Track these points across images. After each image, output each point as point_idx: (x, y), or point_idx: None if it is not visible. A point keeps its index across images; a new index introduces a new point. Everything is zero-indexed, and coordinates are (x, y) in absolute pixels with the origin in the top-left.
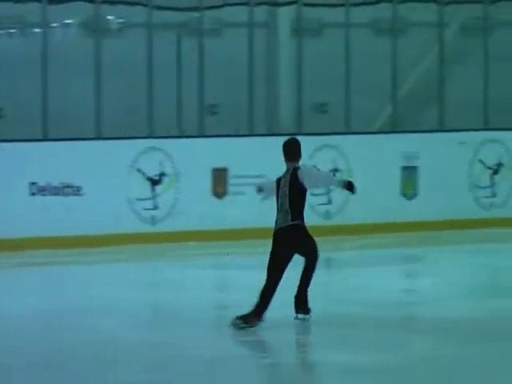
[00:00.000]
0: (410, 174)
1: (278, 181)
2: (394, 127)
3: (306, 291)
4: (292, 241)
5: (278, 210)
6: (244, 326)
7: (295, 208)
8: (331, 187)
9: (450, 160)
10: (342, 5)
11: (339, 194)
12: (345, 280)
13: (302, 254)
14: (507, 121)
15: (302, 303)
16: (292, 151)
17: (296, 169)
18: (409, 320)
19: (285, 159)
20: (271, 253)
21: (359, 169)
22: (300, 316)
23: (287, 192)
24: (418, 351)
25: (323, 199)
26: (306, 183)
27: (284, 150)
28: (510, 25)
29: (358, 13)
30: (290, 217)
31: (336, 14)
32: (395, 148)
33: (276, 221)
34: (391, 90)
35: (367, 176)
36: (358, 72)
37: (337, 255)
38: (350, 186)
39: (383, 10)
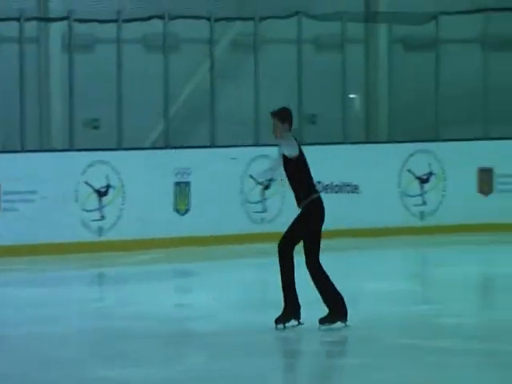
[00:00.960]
0: (182, 189)
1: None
2: (166, 143)
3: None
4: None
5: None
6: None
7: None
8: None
9: (221, 175)
10: (114, 20)
11: (113, 209)
12: (118, 295)
13: None
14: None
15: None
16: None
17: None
18: (182, 335)
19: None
20: None
21: (132, 185)
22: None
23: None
24: (192, 365)
25: (95, 215)
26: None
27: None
28: (279, 42)
29: (130, 28)
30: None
31: (108, 30)
32: (168, 164)
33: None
34: (163, 105)
35: (140, 192)
36: (130, 88)
37: (110, 271)
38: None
39: (155, 26)
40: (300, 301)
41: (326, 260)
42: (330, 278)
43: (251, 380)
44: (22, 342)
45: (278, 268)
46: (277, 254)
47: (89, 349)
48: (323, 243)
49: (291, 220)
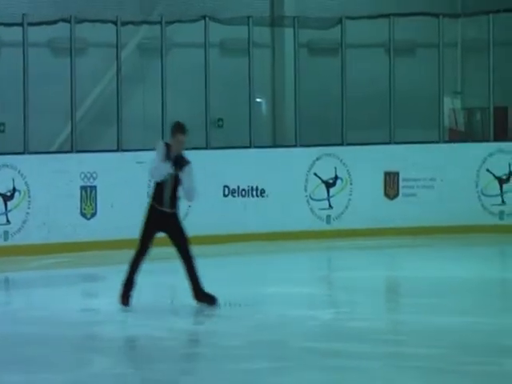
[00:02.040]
0: (88, 193)
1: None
2: (72, 147)
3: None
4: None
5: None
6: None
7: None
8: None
9: (127, 179)
10: (20, 24)
11: (19, 213)
12: (23, 300)
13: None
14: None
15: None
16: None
17: (179, 158)
18: (88, 339)
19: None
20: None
21: (38, 189)
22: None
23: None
24: (98, 370)
25: (1, 219)
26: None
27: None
28: (186, 46)
29: (36, 32)
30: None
31: (13, 33)
32: (74, 168)
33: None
34: (70, 109)
35: (47, 196)
36: (36, 91)
37: (16, 275)
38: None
39: (61, 30)
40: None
41: (236, 264)
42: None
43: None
44: None
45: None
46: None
47: None
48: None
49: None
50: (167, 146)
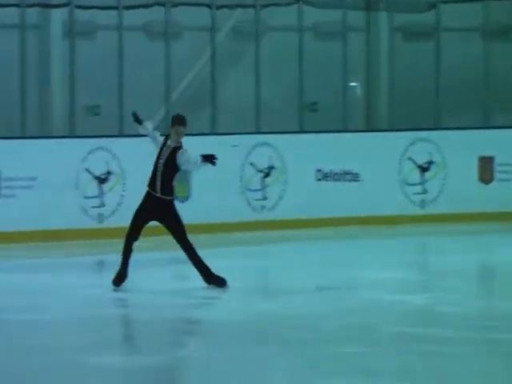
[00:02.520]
0: (183, 176)
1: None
2: (166, 130)
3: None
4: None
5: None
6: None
7: (166, 183)
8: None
9: (222, 163)
10: (115, 7)
11: (114, 196)
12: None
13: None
14: (278, 124)
15: None
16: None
17: (179, 147)
18: (180, 322)
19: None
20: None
21: (132, 171)
22: None
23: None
24: (190, 353)
25: (95, 202)
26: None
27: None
28: (280, 30)
29: (131, 15)
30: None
31: (109, 17)
32: None
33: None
34: (164, 92)
35: (140, 178)
36: (131, 74)
37: (110, 258)
38: (208, 159)
39: (156, 13)
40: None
41: (329, 248)
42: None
43: (249, 368)
44: (21, 328)
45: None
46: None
47: (88, 336)
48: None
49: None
50: (166, 137)
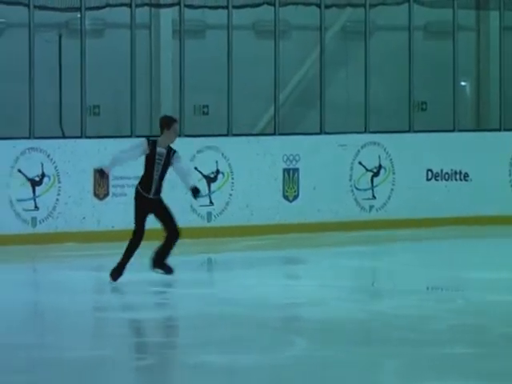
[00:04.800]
0: (291, 176)
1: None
2: (275, 129)
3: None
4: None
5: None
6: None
7: (159, 186)
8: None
9: (330, 162)
10: (225, 7)
11: (222, 195)
12: (225, 281)
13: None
14: (387, 124)
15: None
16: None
17: (174, 151)
18: (290, 321)
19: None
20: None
21: (241, 171)
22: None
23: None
24: (298, 352)
25: (204, 201)
26: (176, 169)
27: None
28: (389, 29)
29: (241, 14)
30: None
31: (218, 16)
32: (277, 150)
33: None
34: (273, 92)
35: (249, 178)
36: (239, 74)
37: (218, 256)
38: (195, 191)
39: (265, 13)
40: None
41: (437, 248)
42: None
43: (360, 368)
44: (121, 326)
45: None
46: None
47: (198, 334)
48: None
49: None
50: (153, 142)
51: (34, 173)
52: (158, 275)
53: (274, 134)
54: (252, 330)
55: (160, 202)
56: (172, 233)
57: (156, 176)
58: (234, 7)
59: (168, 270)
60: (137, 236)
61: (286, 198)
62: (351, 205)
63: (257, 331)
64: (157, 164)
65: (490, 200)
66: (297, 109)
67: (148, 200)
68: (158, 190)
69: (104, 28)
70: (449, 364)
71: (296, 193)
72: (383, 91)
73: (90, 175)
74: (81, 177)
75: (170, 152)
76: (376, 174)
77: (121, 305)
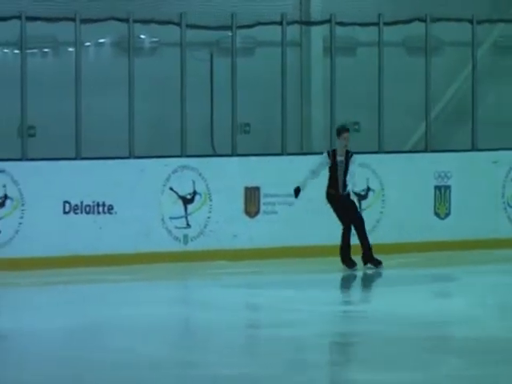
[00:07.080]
0: (442, 193)
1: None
2: (426, 146)
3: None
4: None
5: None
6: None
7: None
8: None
9: (482, 179)
10: (375, 23)
11: (373, 212)
12: (377, 299)
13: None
14: None
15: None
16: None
17: (351, 154)
18: (441, 339)
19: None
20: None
21: (392, 188)
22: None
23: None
24: (449, 371)
25: None
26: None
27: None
28: None
29: (391, 31)
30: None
31: (369, 33)
32: (428, 167)
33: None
34: (424, 108)
35: (400, 195)
36: (390, 91)
37: (365, 274)
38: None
39: (416, 29)
40: None
41: None
42: None
43: None
44: (273, 343)
45: None
46: None
47: (341, 351)
48: None
49: None
50: (332, 152)
51: (186, 191)
52: (304, 292)
53: (425, 150)
54: (403, 348)
55: (348, 196)
56: (356, 220)
57: (340, 177)
58: (385, 24)
59: (377, 263)
60: (348, 226)
61: (437, 215)
62: (504, 222)
63: (407, 349)
64: (339, 169)
65: None
66: (448, 125)
67: (337, 196)
68: (344, 187)
69: (255, 46)
70: None
71: (448, 210)
72: None
73: (241, 193)
74: (232, 194)
75: (348, 155)
76: None
77: (272, 322)
